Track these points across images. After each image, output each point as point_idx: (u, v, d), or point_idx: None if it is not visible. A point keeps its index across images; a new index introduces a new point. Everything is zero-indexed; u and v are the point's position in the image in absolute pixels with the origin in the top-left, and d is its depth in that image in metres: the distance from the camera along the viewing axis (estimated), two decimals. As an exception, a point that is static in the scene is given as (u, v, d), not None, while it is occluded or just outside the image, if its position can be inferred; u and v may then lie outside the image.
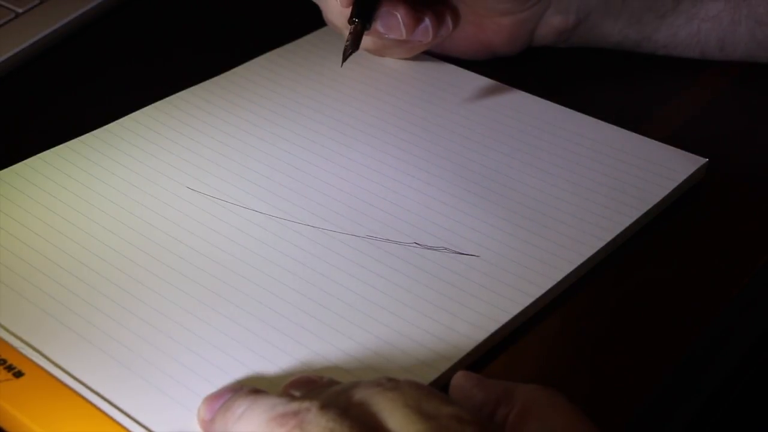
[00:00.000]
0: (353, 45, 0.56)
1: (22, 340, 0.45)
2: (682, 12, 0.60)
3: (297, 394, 0.40)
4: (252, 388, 0.40)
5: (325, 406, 0.36)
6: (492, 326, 0.46)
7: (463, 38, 0.62)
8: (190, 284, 0.48)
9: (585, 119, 0.59)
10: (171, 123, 0.59)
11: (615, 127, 0.58)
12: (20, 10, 0.68)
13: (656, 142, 0.57)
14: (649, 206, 0.53)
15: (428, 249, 0.50)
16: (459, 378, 0.41)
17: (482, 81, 0.62)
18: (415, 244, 0.50)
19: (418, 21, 0.57)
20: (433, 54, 0.64)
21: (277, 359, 0.44)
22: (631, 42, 0.61)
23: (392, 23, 0.56)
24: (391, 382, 0.38)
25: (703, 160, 0.56)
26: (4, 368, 0.43)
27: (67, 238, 0.50)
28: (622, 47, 0.62)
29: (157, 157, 0.56)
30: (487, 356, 0.46)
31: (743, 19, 0.60)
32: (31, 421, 0.41)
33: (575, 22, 0.59)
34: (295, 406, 0.36)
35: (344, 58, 0.56)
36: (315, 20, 0.64)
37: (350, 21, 0.56)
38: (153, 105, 0.60)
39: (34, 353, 0.44)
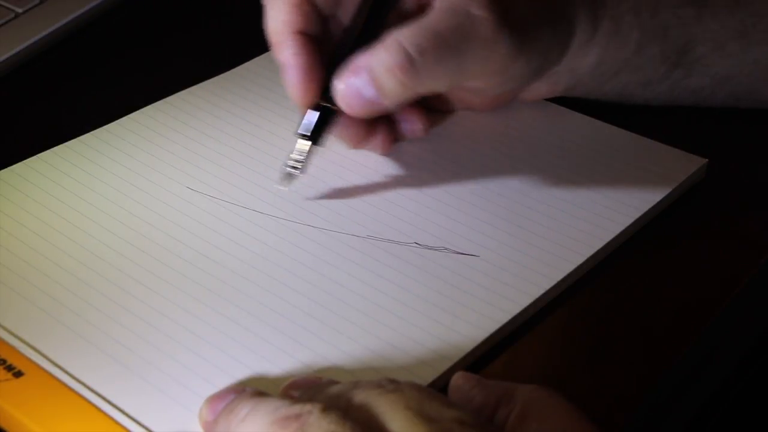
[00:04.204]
0: (303, 169, 0.52)
1: (21, 340, 0.45)
2: (669, 81, 0.58)
3: (296, 394, 0.40)
4: (255, 390, 0.40)
5: (326, 409, 0.36)
6: (492, 326, 0.46)
7: (442, 102, 0.57)
8: (190, 284, 0.48)
9: (585, 119, 0.59)
10: (171, 123, 0.59)
11: (615, 127, 0.58)
12: (20, 10, 0.68)
13: (656, 142, 0.57)
14: (649, 206, 0.53)
15: (428, 249, 0.50)
16: (458, 379, 0.41)
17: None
18: (415, 244, 0.50)
19: (367, 137, 0.53)
20: None
21: (277, 359, 0.44)
22: (613, 99, 0.60)
23: (343, 135, 0.54)
24: (392, 384, 0.38)
25: (703, 160, 0.56)
26: (4, 368, 0.43)
27: (67, 239, 0.50)
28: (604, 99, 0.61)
29: (156, 157, 0.56)
30: (487, 356, 0.46)
31: (724, 96, 0.59)
32: (30, 420, 0.41)
33: (563, 92, 0.58)
34: (297, 408, 0.36)
35: (286, 180, 0.52)
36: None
37: (299, 135, 0.51)
38: (153, 105, 0.60)
39: (34, 353, 0.44)
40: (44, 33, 0.67)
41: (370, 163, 0.56)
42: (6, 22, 0.67)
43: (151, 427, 0.41)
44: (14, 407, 0.42)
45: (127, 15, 0.72)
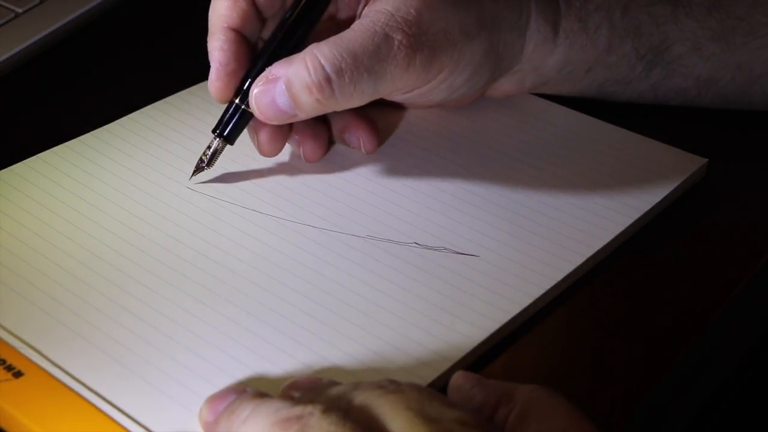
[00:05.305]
0: (209, 162, 0.53)
1: (21, 340, 0.45)
2: (650, 81, 0.58)
3: (297, 395, 0.40)
4: (256, 390, 0.40)
5: (327, 410, 0.36)
6: (492, 326, 0.46)
7: (408, 101, 0.58)
8: (190, 284, 0.48)
9: (585, 119, 0.59)
10: (171, 123, 0.59)
11: (615, 127, 0.58)
12: (20, 10, 0.68)
13: (656, 142, 0.57)
14: (649, 206, 0.53)
15: (428, 249, 0.50)
16: (458, 378, 0.41)
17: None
18: (415, 244, 0.50)
19: (281, 143, 0.54)
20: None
21: (277, 359, 0.44)
22: (593, 97, 0.60)
23: (255, 139, 0.54)
24: (393, 385, 0.38)
25: (703, 160, 0.56)
26: (4, 368, 0.43)
27: (67, 239, 0.50)
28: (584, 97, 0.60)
29: (156, 157, 0.56)
30: (487, 356, 0.46)
31: (712, 98, 0.59)
32: (30, 421, 0.41)
33: (531, 89, 0.58)
34: (298, 410, 0.36)
35: (195, 173, 0.53)
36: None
37: (213, 131, 0.53)
38: (153, 105, 0.60)
39: (34, 353, 0.44)
40: (44, 33, 0.67)
41: (370, 163, 0.56)
42: (6, 22, 0.67)
43: (151, 427, 0.41)
44: (14, 407, 0.42)
45: (127, 15, 0.72)
